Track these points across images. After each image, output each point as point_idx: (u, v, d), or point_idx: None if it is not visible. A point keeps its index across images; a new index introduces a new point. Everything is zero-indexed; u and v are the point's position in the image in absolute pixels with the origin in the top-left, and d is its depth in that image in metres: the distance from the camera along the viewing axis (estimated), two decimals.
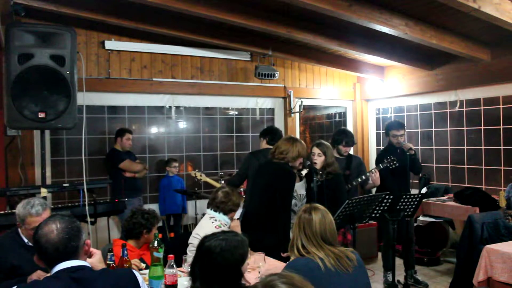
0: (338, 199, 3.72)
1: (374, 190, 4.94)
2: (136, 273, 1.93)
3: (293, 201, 3.74)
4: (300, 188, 3.84)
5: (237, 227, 3.42)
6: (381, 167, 4.47)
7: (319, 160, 3.88)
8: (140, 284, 1.89)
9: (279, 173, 3.54)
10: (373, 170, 4.46)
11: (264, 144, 4.45)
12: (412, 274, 4.79)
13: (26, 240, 2.73)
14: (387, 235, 4.69)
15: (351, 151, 4.79)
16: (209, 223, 3.12)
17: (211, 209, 3.23)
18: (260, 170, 3.73)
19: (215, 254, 1.86)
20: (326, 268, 2.16)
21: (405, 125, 5.10)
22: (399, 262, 4.72)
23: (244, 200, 4.28)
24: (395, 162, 4.44)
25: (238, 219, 3.93)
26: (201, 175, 5.21)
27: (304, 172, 4.03)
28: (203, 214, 3.30)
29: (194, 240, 3.02)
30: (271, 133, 4.48)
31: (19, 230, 2.74)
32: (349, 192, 4.21)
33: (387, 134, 4.85)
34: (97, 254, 2.16)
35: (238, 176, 4.43)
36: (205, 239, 1.95)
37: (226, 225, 3.15)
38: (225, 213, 3.19)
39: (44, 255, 1.79)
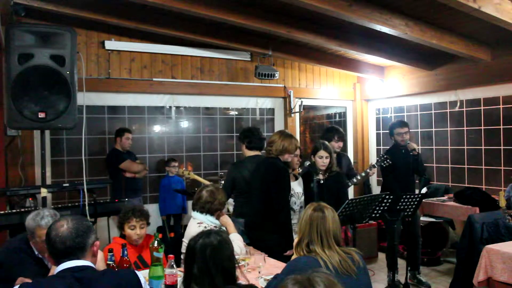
0: (341, 197, 3.75)
1: (378, 190, 4.96)
2: (139, 273, 1.94)
3: (292, 199, 3.75)
4: (296, 186, 3.86)
5: (227, 220, 3.26)
6: (375, 166, 4.54)
7: (327, 162, 3.88)
8: (143, 284, 1.90)
9: (270, 170, 3.54)
10: (371, 167, 4.52)
11: (244, 150, 4.07)
12: (416, 275, 4.80)
13: (36, 253, 2.67)
14: (390, 235, 4.70)
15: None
16: (197, 227, 2.99)
17: (197, 211, 3.15)
18: (255, 170, 3.73)
19: (214, 247, 1.88)
20: (327, 268, 2.15)
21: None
22: (400, 262, 4.72)
23: (234, 211, 4.14)
24: (388, 160, 4.50)
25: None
26: (189, 173, 5.17)
27: (301, 171, 4.04)
28: None
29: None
30: (248, 136, 4.04)
31: (30, 243, 2.67)
32: None
33: (391, 134, 4.85)
34: (98, 254, 2.16)
35: (224, 190, 3.67)
36: (196, 239, 1.94)
37: (215, 227, 3.06)
38: (211, 214, 3.13)
39: (52, 249, 1.83)
